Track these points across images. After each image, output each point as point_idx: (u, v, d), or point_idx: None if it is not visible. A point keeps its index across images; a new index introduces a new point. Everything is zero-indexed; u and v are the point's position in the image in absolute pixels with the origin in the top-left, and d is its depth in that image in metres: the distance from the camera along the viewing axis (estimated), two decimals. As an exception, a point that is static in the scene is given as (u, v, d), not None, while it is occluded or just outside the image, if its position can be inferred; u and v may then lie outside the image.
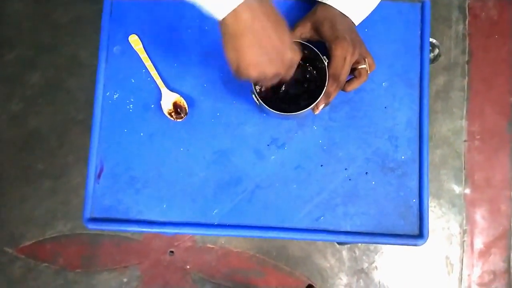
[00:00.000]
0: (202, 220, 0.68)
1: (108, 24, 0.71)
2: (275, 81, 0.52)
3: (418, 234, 0.67)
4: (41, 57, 1.51)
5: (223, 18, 0.45)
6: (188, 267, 1.37)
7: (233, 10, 0.44)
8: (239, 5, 0.43)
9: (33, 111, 1.49)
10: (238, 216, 0.68)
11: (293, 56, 0.50)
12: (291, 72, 0.52)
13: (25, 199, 1.46)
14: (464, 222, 1.35)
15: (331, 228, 0.67)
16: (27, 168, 1.47)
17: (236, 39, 0.46)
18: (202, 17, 0.71)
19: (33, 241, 1.42)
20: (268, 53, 0.47)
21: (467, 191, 1.36)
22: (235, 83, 0.69)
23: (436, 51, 1.33)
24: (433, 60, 1.36)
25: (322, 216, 0.67)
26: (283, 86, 0.65)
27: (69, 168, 1.45)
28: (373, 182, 0.68)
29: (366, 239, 0.66)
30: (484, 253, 1.35)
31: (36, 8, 1.53)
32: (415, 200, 0.67)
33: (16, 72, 1.50)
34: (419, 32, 0.70)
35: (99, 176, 0.69)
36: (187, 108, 0.68)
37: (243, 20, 0.45)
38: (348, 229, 0.67)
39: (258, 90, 0.63)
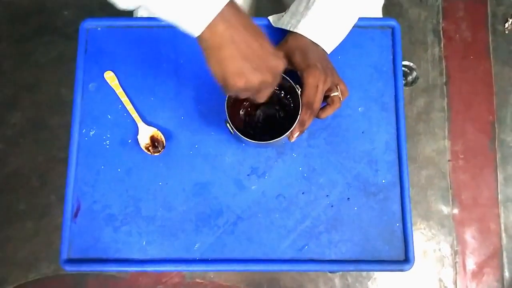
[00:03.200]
0: (184, 256, 0.66)
1: (83, 61, 0.71)
2: (265, 93, 0.51)
3: (404, 259, 0.65)
4: (22, 96, 1.50)
5: (200, 35, 0.45)
6: (177, 303, 1.33)
7: (208, 25, 0.44)
8: (214, 19, 0.44)
9: (14, 151, 1.47)
10: (221, 250, 0.66)
11: (278, 62, 0.49)
12: (278, 79, 0.51)
13: (6, 240, 1.42)
14: (455, 242, 1.34)
15: (316, 257, 0.66)
16: (8, 209, 1.44)
17: (217, 51, 0.46)
18: (177, 51, 0.71)
19: (16, 285, 1.37)
20: (251, 61, 0.46)
21: (455, 211, 1.35)
22: (212, 114, 0.69)
23: (414, 73, 1.36)
24: (412, 82, 1.38)
25: (306, 245, 0.66)
26: (258, 115, 0.65)
27: (51, 208, 1.42)
28: (356, 208, 0.67)
29: (352, 267, 0.65)
30: (477, 274, 1.33)
31: (17, 47, 1.53)
32: (399, 224, 0.66)
33: (-3, 112, 1.49)
34: (391, 57, 0.71)
35: (75, 215, 0.67)
36: (164, 142, 0.67)
37: (220, 32, 0.45)
38: (333, 257, 0.66)
39: (233, 119, 0.63)
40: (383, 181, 0.67)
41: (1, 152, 1.47)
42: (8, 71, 1.52)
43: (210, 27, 0.44)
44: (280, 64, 0.49)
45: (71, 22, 1.50)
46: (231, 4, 0.45)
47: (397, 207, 0.67)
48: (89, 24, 0.72)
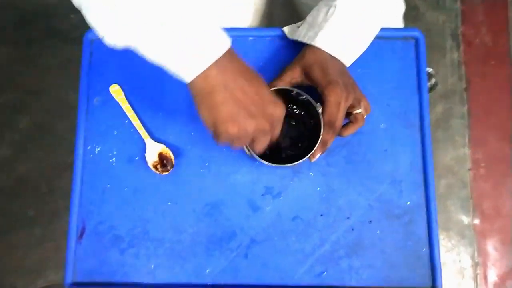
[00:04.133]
0: (194, 281, 0.62)
1: (87, 74, 0.67)
2: (263, 141, 0.48)
3: (431, 287, 0.61)
4: (30, 101, 1.48)
5: (192, 81, 0.42)
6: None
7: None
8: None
9: (22, 156, 1.45)
10: (234, 275, 0.62)
11: (275, 110, 0.46)
12: (278, 128, 0.48)
13: (15, 247, 1.40)
14: (476, 254, 1.29)
15: (335, 283, 0.61)
16: (16, 215, 1.42)
17: (208, 97, 0.43)
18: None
19: (24, 292, 1.36)
20: (245, 107, 0.43)
21: (476, 221, 1.30)
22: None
23: (433, 80, 1.30)
24: (431, 89, 1.33)
25: (325, 272, 0.61)
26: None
27: (60, 214, 1.40)
28: (378, 231, 0.62)
29: (374, 295, 0.60)
30: (499, 286, 1.28)
31: (24, 52, 1.51)
32: (425, 249, 0.62)
33: (4, 117, 1.47)
34: (415, 70, 0.66)
35: (80, 236, 0.64)
36: (173, 160, 0.64)
37: (213, 77, 0.42)
38: (354, 284, 0.61)
39: None
40: (408, 203, 0.63)
41: (8, 157, 1.45)
42: (15, 75, 1.50)
43: (203, 73, 0.41)
44: (277, 111, 0.46)
45: (78, 26, 1.47)
46: (228, 50, 0.42)
47: (423, 231, 0.62)
48: (94, 35, 0.68)
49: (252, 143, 0.48)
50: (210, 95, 0.42)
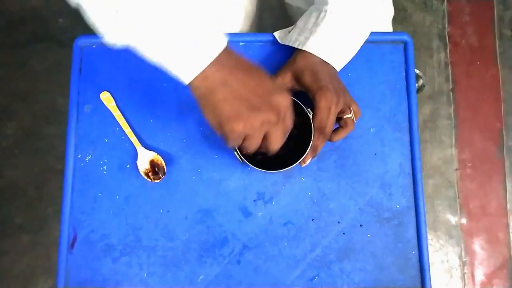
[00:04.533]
0: (187, 288, 0.62)
1: (77, 81, 0.67)
2: (277, 135, 0.46)
3: (421, 289, 0.62)
4: (17, 105, 1.46)
5: (191, 82, 0.41)
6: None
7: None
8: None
9: (10, 162, 1.43)
10: (226, 281, 0.62)
11: (280, 99, 0.44)
12: (288, 118, 0.46)
13: (3, 254, 1.38)
14: (463, 253, 1.31)
15: None
16: (4, 222, 1.40)
17: (209, 97, 0.42)
18: (177, 69, 0.67)
19: (13, 300, 1.34)
20: (248, 101, 0.42)
21: (463, 221, 1.32)
22: (215, 136, 0.65)
23: (420, 81, 1.32)
24: (418, 90, 1.35)
25: (317, 276, 0.62)
26: None
27: (49, 221, 1.39)
28: (369, 235, 0.63)
29: (366, 298, 0.61)
30: (486, 285, 1.30)
31: (12, 55, 1.49)
32: (414, 252, 0.63)
33: (-9, 123, 1.44)
34: (404, 73, 0.67)
35: (72, 245, 0.63)
36: (165, 167, 0.64)
37: (211, 76, 0.41)
38: (346, 287, 0.62)
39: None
40: (397, 206, 0.64)
41: (-4, 163, 1.43)
42: (2, 80, 1.48)
43: (202, 73, 0.41)
44: (284, 100, 0.44)
45: (66, 29, 1.46)
46: (225, 49, 0.42)
47: (412, 233, 0.63)
48: (84, 42, 0.68)
49: (265, 140, 0.46)
50: (211, 95, 0.42)
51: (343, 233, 0.63)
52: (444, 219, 1.32)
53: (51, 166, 1.41)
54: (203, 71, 0.41)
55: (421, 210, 0.63)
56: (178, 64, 0.41)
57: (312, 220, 0.64)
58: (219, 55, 0.41)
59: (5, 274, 1.37)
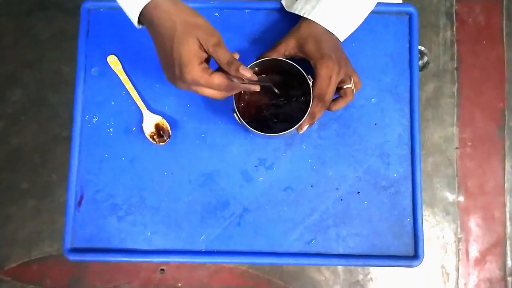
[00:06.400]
0: (189, 247, 0.65)
1: (85, 44, 0.68)
2: (205, 94, 0.52)
3: (414, 255, 0.64)
4: (23, 73, 1.46)
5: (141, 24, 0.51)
6: (179, 284, 1.34)
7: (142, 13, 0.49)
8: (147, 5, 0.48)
9: (15, 129, 1.44)
10: (227, 242, 0.65)
11: (182, 74, 0.48)
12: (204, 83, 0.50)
13: (8, 219, 1.42)
14: (459, 230, 1.33)
15: (323, 251, 0.64)
16: (10, 188, 1.43)
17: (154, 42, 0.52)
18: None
19: (19, 263, 1.38)
20: (168, 70, 0.51)
21: (461, 198, 1.34)
22: (219, 102, 0.66)
23: (425, 58, 1.32)
24: (422, 67, 1.34)
25: (314, 239, 0.64)
26: (267, 104, 0.63)
27: (54, 187, 1.41)
28: (366, 202, 0.65)
29: (360, 262, 0.64)
30: (480, 261, 1.33)
31: (17, 23, 1.49)
32: (409, 220, 0.65)
33: (-3, 89, 1.46)
34: (408, 45, 0.68)
35: (79, 203, 0.66)
36: (170, 131, 0.65)
37: (148, 20, 0.50)
38: (341, 251, 0.64)
39: (241, 109, 0.61)
40: (395, 175, 0.65)
41: (1, 130, 1.44)
42: (8, 47, 1.48)
43: (144, 15, 0.49)
44: (187, 74, 0.48)
45: (72, -3, 1.46)
46: None
47: (408, 202, 0.65)
48: (91, 5, 0.68)
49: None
50: (154, 41, 0.51)
51: (341, 200, 0.65)
52: (442, 197, 1.34)
53: (56, 133, 1.43)
54: (144, 12, 0.49)
55: (418, 180, 0.65)
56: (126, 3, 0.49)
57: (311, 186, 0.65)
58: None
59: (11, 238, 1.40)
